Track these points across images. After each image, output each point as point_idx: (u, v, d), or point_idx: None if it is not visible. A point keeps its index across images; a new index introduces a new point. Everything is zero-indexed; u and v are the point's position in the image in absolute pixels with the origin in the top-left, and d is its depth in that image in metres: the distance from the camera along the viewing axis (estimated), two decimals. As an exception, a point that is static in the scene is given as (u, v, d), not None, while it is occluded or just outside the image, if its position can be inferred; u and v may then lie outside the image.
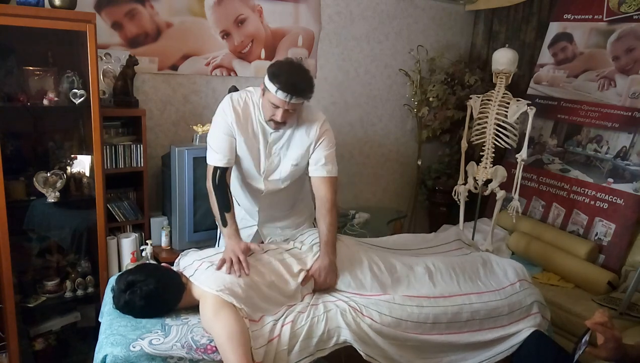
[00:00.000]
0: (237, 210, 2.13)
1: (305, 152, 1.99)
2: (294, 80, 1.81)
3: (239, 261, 1.76)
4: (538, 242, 3.11)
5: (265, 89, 1.86)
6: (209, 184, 1.94)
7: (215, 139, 1.95)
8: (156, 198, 2.85)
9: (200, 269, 1.79)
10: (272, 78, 1.81)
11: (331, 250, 1.91)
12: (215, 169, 1.92)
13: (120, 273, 1.81)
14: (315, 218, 2.29)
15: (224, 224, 1.90)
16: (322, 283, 1.89)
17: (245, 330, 1.57)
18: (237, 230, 1.91)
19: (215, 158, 1.93)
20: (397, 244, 2.24)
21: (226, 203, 1.91)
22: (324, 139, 1.99)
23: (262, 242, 2.16)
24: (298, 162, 2.01)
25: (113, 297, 1.72)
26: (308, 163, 2.02)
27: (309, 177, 2.06)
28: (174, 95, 2.93)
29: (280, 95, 1.79)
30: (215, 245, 2.35)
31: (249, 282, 1.71)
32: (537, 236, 3.16)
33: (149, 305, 1.67)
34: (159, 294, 1.68)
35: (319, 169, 1.98)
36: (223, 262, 1.77)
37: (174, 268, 1.90)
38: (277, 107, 1.83)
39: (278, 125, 1.90)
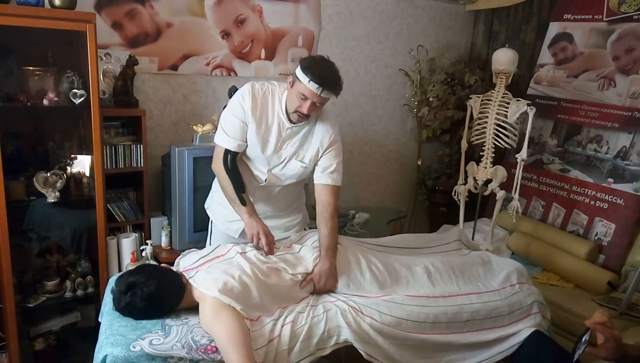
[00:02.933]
0: (227, 203, 2.10)
1: (315, 155, 2.02)
2: (327, 73, 1.86)
3: (267, 241, 1.89)
4: (538, 242, 3.11)
5: (295, 80, 1.88)
6: (219, 167, 1.98)
7: (228, 122, 1.98)
8: (156, 198, 2.85)
9: (200, 271, 1.79)
10: (305, 69, 1.84)
11: (332, 254, 1.91)
12: (227, 152, 1.97)
13: (120, 274, 1.80)
14: (307, 225, 2.35)
15: (243, 203, 1.96)
16: (321, 288, 1.88)
17: (246, 329, 1.57)
18: (254, 209, 2.00)
19: (227, 140, 1.97)
20: (396, 243, 2.24)
21: (242, 184, 1.99)
22: (335, 147, 2.04)
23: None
24: (307, 165, 2.03)
25: (113, 299, 1.72)
26: (314, 169, 2.04)
27: (308, 184, 2.10)
28: (174, 95, 2.93)
29: (312, 86, 1.82)
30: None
31: (248, 281, 1.71)
32: (537, 236, 3.16)
33: (150, 306, 1.66)
34: (160, 295, 1.67)
35: (326, 177, 2.01)
36: (252, 237, 1.90)
37: (174, 269, 1.89)
38: (305, 98, 1.86)
39: (301, 117, 1.93)
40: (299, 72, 1.86)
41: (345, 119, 3.66)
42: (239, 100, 1.97)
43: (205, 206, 2.32)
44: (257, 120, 1.96)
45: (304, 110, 1.87)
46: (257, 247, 1.91)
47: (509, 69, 2.89)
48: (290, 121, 1.97)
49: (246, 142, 2.00)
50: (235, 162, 1.98)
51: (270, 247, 1.91)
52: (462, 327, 1.87)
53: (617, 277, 2.80)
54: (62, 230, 2.49)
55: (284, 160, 2.04)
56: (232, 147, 1.97)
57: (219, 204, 2.18)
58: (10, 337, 2.26)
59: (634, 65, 3.06)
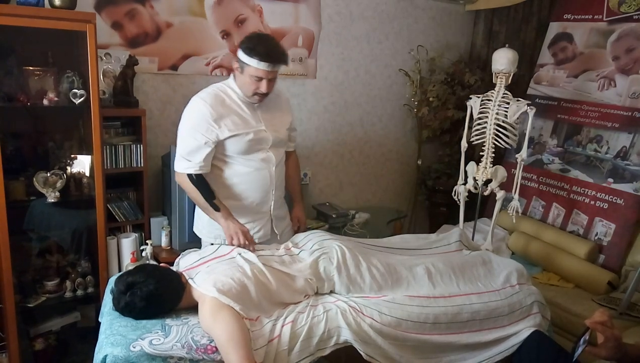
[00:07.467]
0: (247, 219, 2.12)
1: (288, 115, 2.18)
2: (271, 48, 1.92)
3: (247, 239, 1.92)
4: (538, 242, 3.11)
5: (243, 66, 1.93)
6: (188, 186, 2.01)
7: (189, 147, 1.99)
8: (156, 198, 2.85)
9: (200, 271, 1.79)
10: (250, 52, 1.89)
11: (302, 196, 2.41)
12: (190, 175, 1.99)
13: (119, 275, 1.81)
14: None
15: (217, 209, 1.98)
16: (303, 226, 2.32)
17: (245, 329, 1.56)
18: (229, 211, 2.00)
19: (186, 165, 2.00)
20: (397, 244, 2.24)
21: (211, 192, 2.00)
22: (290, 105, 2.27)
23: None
24: (289, 126, 2.18)
25: (113, 300, 1.72)
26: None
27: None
28: (174, 95, 2.93)
29: (263, 65, 1.88)
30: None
31: (247, 283, 1.71)
32: (537, 236, 3.16)
33: (150, 305, 1.66)
34: (159, 294, 1.68)
35: (292, 145, 2.32)
36: (232, 238, 1.91)
37: (174, 268, 1.90)
38: (260, 79, 1.91)
39: (262, 97, 1.98)
40: (244, 57, 1.91)
41: (345, 119, 3.66)
42: (198, 118, 1.97)
43: (195, 230, 2.30)
44: (231, 118, 1.98)
45: (263, 89, 1.93)
46: (243, 246, 1.93)
47: (508, 69, 2.89)
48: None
49: (210, 162, 2.02)
50: (201, 175, 2.01)
51: (251, 245, 1.94)
52: (462, 327, 1.87)
53: (617, 277, 2.80)
54: (62, 230, 2.49)
55: (275, 131, 2.09)
56: (194, 170, 1.99)
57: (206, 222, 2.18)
58: (10, 337, 2.26)
59: (634, 65, 3.06)
